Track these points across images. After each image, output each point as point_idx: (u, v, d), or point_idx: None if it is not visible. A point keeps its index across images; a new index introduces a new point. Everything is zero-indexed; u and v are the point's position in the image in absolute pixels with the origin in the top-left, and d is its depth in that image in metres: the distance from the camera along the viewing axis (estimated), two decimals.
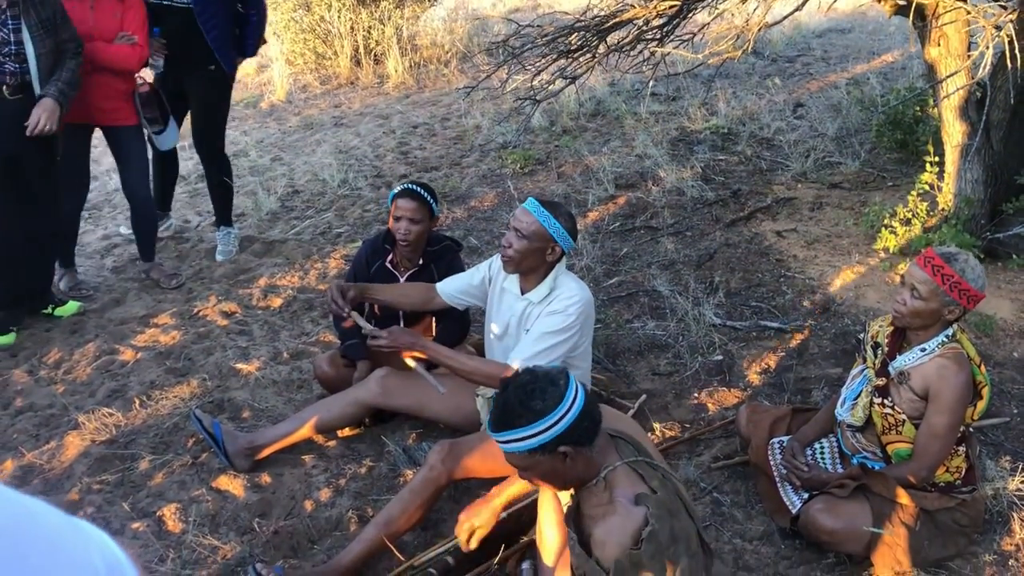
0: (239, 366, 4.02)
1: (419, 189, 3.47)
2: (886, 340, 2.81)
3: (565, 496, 2.49)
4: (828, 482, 2.79)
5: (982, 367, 2.70)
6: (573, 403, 2.03)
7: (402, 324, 3.69)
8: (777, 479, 2.99)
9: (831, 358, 3.92)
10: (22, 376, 4.01)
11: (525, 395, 2.03)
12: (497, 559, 2.79)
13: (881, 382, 2.74)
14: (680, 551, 1.99)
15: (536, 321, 2.99)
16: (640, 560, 1.91)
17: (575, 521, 2.14)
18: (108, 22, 4.35)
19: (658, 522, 1.95)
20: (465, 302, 3.34)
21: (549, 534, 2.55)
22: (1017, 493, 2.96)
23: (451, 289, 3.33)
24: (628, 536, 1.94)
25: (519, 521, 2.91)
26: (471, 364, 3.04)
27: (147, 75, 4.72)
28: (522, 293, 3.07)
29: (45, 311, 4.52)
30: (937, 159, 4.85)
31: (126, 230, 5.59)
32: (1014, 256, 4.49)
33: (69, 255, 4.87)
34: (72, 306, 4.55)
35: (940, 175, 4.87)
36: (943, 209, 4.81)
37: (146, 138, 4.81)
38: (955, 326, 2.68)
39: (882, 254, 4.76)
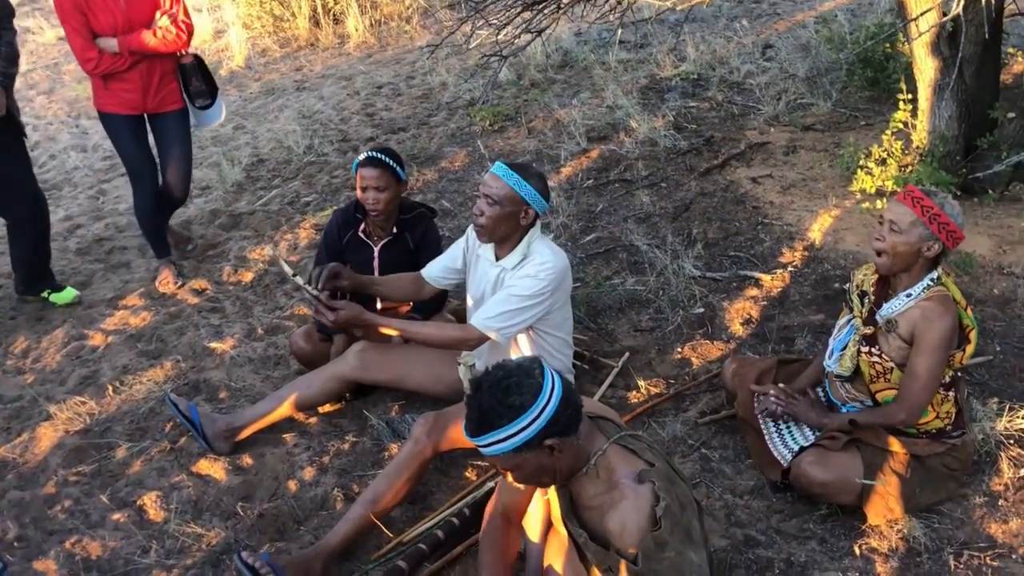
0: (213, 345, 3.93)
1: (381, 155, 3.35)
2: (872, 288, 2.77)
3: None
4: (805, 416, 2.82)
5: (968, 310, 2.67)
6: (552, 393, 1.94)
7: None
8: (765, 433, 2.96)
9: (812, 304, 3.89)
10: None
11: (501, 392, 1.92)
12: None
13: (869, 331, 2.70)
14: (690, 515, 1.96)
15: (505, 285, 2.92)
16: (663, 538, 1.87)
17: (576, 516, 2.07)
18: (141, 6, 4.10)
19: (666, 494, 1.90)
20: (453, 281, 3.24)
21: (533, 507, 2.51)
22: (1004, 433, 2.96)
23: (436, 273, 3.22)
24: (644, 517, 1.89)
25: None
26: (428, 331, 2.96)
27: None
28: (496, 259, 2.99)
29: (42, 295, 4.39)
30: (910, 96, 4.79)
31: None
32: (990, 191, 4.46)
33: (163, 244, 4.62)
34: (69, 293, 4.41)
35: (914, 113, 4.81)
36: (918, 147, 4.76)
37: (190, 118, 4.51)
38: (939, 269, 2.63)
39: (859, 196, 4.72)
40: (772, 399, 2.90)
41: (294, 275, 2.93)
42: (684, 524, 1.92)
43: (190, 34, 4.28)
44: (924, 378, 2.59)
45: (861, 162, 4.79)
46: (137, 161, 4.33)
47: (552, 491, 2.20)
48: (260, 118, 7.07)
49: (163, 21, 4.14)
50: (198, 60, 4.41)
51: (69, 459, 3.28)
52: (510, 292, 2.86)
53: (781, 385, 2.96)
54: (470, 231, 3.13)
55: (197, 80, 4.38)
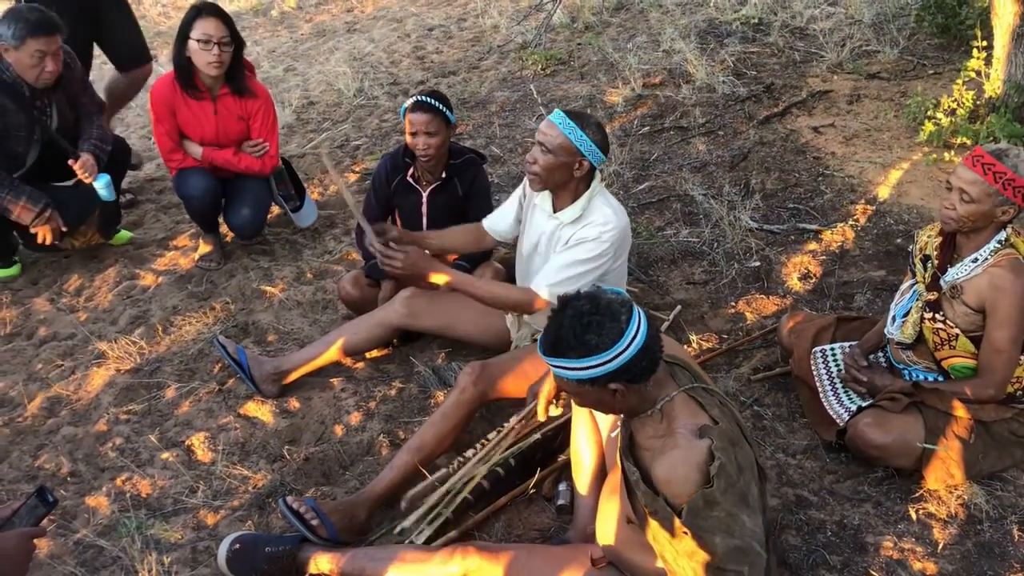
0: (262, 288, 3.93)
1: (430, 100, 3.26)
2: (935, 252, 2.64)
3: (605, 421, 2.40)
4: (884, 388, 2.68)
5: None
6: (632, 342, 1.86)
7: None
8: (820, 391, 2.88)
9: (873, 260, 3.76)
10: (44, 305, 3.95)
11: (581, 327, 1.87)
12: (533, 481, 2.72)
13: (932, 296, 2.58)
14: (748, 479, 1.89)
15: (567, 246, 2.82)
16: (714, 497, 1.81)
17: (632, 454, 2.03)
18: (233, 125, 3.98)
19: (723, 455, 1.83)
20: (517, 232, 3.17)
21: (585, 459, 2.47)
22: None
23: (499, 226, 3.17)
24: (693, 470, 1.83)
25: (554, 442, 2.84)
26: (495, 291, 2.90)
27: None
28: (553, 211, 2.90)
29: None
30: (985, 44, 4.57)
31: None
32: None
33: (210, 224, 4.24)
34: (124, 235, 4.42)
35: (988, 61, 4.59)
36: (991, 97, 4.56)
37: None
38: (1008, 229, 2.50)
39: (925, 148, 4.53)
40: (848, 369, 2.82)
41: (379, 247, 2.84)
42: (740, 487, 1.85)
43: (272, 166, 4.11)
44: (1008, 351, 2.49)
45: (929, 112, 4.60)
46: (191, 202, 4.06)
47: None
48: (311, 60, 7.00)
49: (252, 149, 4.03)
50: (285, 164, 4.25)
51: (120, 398, 3.31)
52: (574, 258, 2.77)
53: (849, 347, 2.87)
54: (526, 180, 3.04)
55: (284, 185, 4.22)
